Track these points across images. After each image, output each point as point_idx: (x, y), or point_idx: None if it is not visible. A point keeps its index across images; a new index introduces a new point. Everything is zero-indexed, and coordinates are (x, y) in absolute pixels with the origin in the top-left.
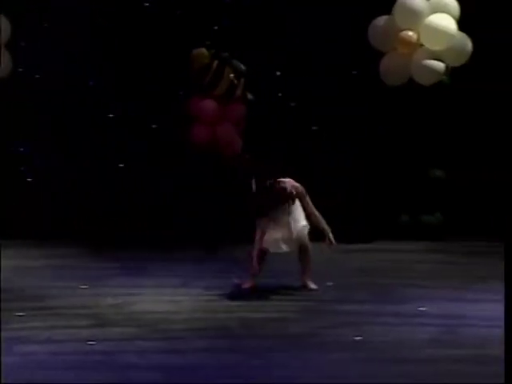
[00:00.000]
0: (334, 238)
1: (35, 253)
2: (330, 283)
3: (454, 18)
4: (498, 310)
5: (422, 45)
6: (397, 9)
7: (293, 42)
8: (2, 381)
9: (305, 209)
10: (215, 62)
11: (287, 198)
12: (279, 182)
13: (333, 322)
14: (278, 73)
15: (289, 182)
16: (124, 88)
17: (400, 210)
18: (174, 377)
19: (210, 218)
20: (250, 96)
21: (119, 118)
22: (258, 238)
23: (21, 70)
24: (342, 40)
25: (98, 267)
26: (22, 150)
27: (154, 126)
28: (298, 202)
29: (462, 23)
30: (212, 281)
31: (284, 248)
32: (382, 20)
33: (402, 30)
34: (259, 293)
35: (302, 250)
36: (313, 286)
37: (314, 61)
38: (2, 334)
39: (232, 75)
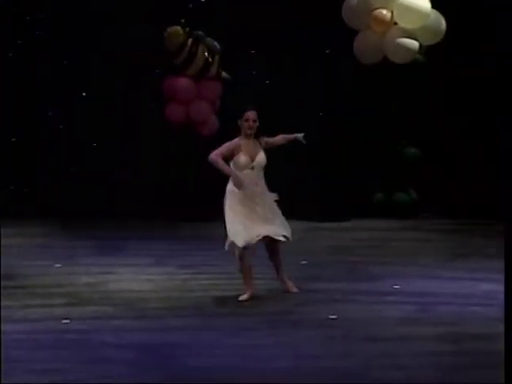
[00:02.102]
0: (310, 216)
1: (9, 231)
2: (305, 261)
3: None
4: (472, 287)
5: (395, 23)
6: None
7: (269, 20)
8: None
9: (272, 144)
10: (190, 40)
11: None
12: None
13: (307, 300)
14: (253, 51)
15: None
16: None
17: (374, 189)
18: (149, 355)
19: (179, 196)
20: (224, 74)
21: (94, 96)
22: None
23: None
24: (316, 18)
25: (73, 246)
26: None
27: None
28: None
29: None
30: (184, 259)
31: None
32: None
33: (376, 9)
34: (233, 272)
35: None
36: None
37: (288, 39)
38: None
39: (207, 53)
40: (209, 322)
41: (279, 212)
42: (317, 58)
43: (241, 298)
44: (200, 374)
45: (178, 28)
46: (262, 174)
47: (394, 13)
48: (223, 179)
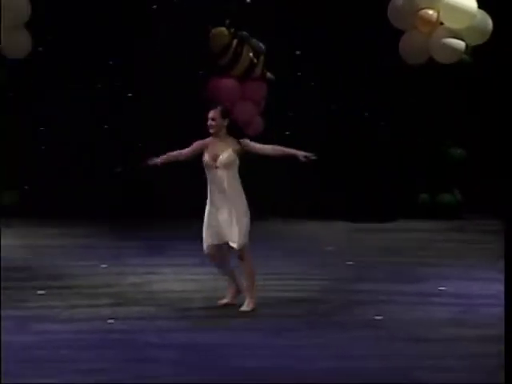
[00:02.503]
0: (354, 217)
1: (56, 231)
2: (351, 262)
3: None
4: None
5: (442, 23)
6: None
7: (312, 21)
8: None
9: (253, 150)
10: (235, 41)
11: None
12: None
13: (352, 301)
14: (298, 52)
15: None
16: (145, 66)
17: (419, 189)
18: (192, 355)
19: None
20: (269, 75)
21: (139, 96)
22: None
23: (40, 49)
24: (361, 18)
25: (118, 246)
26: (42, 129)
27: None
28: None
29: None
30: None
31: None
32: None
33: (422, 9)
34: (278, 272)
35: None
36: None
37: (331, 40)
38: (22, 312)
39: (251, 54)
40: (253, 322)
41: (243, 218)
42: (362, 58)
43: (218, 302)
44: (243, 374)
45: (223, 29)
46: (230, 173)
47: (441, 13)
48: (262, 180)
